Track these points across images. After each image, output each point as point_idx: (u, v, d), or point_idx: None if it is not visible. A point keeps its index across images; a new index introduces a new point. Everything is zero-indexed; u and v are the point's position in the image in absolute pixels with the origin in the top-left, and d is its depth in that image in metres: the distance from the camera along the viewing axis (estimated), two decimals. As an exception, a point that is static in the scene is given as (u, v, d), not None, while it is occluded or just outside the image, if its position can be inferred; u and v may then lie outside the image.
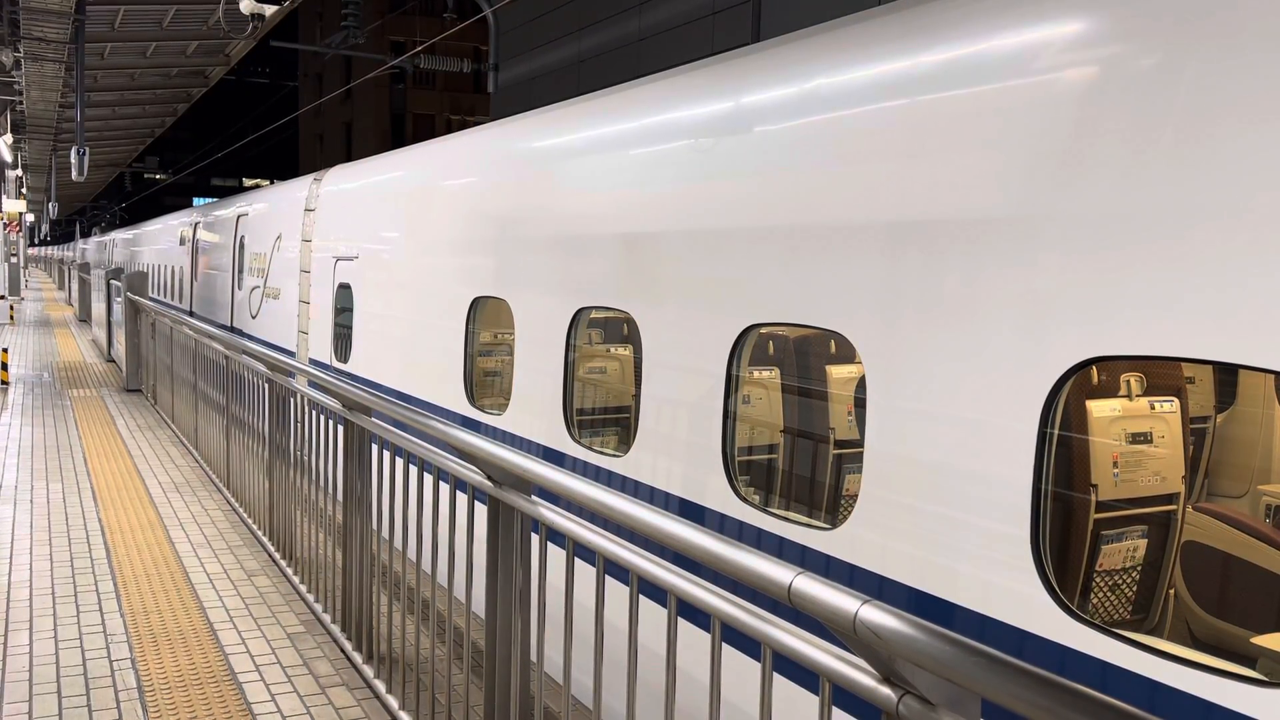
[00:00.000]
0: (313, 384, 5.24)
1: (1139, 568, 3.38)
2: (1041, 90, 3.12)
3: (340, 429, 4.72)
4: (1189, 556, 3.45)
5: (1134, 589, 3.38)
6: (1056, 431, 3.02)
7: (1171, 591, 3.44)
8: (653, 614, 2.96)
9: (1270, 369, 2.47)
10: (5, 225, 29.25)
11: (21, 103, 19.33)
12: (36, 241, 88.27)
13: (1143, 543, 3.39)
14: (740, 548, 2.04)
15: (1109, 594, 3.35)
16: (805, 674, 3.43)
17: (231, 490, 7.63)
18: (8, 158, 22.74)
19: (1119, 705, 1.32)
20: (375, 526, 4.45)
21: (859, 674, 1.79)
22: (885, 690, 1.73)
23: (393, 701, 4.09)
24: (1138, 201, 2.80)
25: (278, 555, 6.09)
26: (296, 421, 5.54)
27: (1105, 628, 2.82)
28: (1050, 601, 2.94)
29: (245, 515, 7.07)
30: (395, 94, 55.49)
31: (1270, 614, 3.16)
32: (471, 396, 6.83)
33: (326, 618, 5.04)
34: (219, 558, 6.29)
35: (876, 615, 1.66)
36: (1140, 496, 3.43)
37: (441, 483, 3.66)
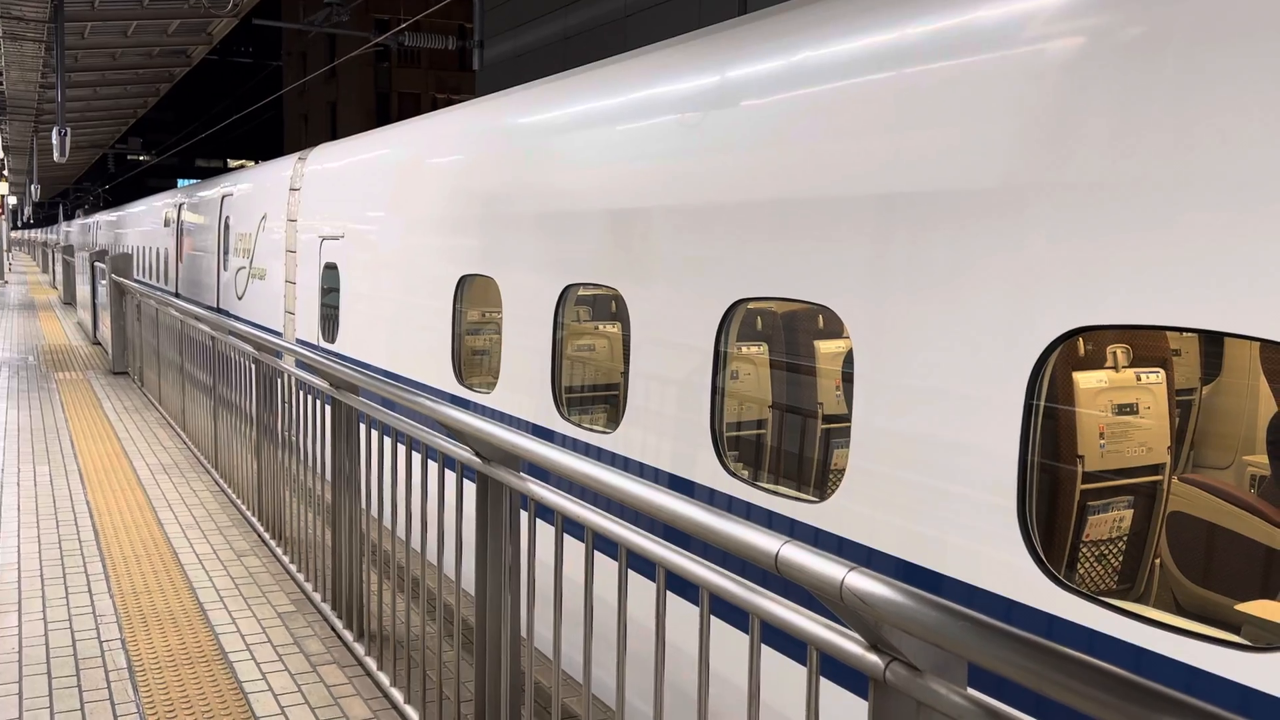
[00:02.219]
0: (300, 363, 5.22)
1: (1125, 538, 3.40)
2: (1028, 62, 3.11)
3: (328, 408, 4.71)
4: (1175, 527, 3.47)
5: (1120, 559, 3.41)
6: (1043, 403, 3.03)
7: (1157, 561, 3.47)
8: (642, 588, 2.97)
9: (1255, 336, 2.48)
10: (-13, 208, 29.00)
11: (1, 83, 19.12)
12: (19, 224, 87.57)
13: (1129, 513, 3.42)
14: (728, 518, 2.04)
15: (1095, 564, 3.38)
16: (795, 647, 3.45)
17: (220, 471, 7.62)
18: (-12, 139, 22.52)
19: (1105, 667, 1.32)
20: (364, 505, 4.44)
21: (846, 642, 1.79)
22: (872, 658, 1.74)
23: (384, 679, 4.10)
24: (1123, 171, 2.80)
25: (267, 535, 6.09)
26: (284, 402, 5.52)
27: (1092, 596, 2.84)
28: (1037, 571, 2.95)
29: (234, 496, 7.06)
30: (380, 73, 55.04)
31: (1255, 582, 3.19)
32: (460, 375, 6.82)
33: (317, 597, 5.05)
34: (208, 538, 6.28)
35: (863, 582, 1.66)
36: (1126, 467, 3.45)
37: (430, 460, 3.65)
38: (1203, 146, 2.62)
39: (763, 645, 2.06)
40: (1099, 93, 2.89)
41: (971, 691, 1.63)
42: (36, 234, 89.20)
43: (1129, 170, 2.78)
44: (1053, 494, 3.22)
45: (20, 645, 4.57)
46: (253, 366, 6.10)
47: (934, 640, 1.55)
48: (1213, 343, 4.06)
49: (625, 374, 4.95)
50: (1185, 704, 1.23)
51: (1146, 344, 3.58)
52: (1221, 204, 2.57)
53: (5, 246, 40.02)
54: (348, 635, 4.56)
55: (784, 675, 3.43)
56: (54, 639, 4.65)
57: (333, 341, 9.29)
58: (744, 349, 4.60)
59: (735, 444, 4.47)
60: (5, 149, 29.50)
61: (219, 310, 13.87)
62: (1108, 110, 2.86)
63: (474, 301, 6.91)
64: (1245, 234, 2.52)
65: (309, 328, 10.04)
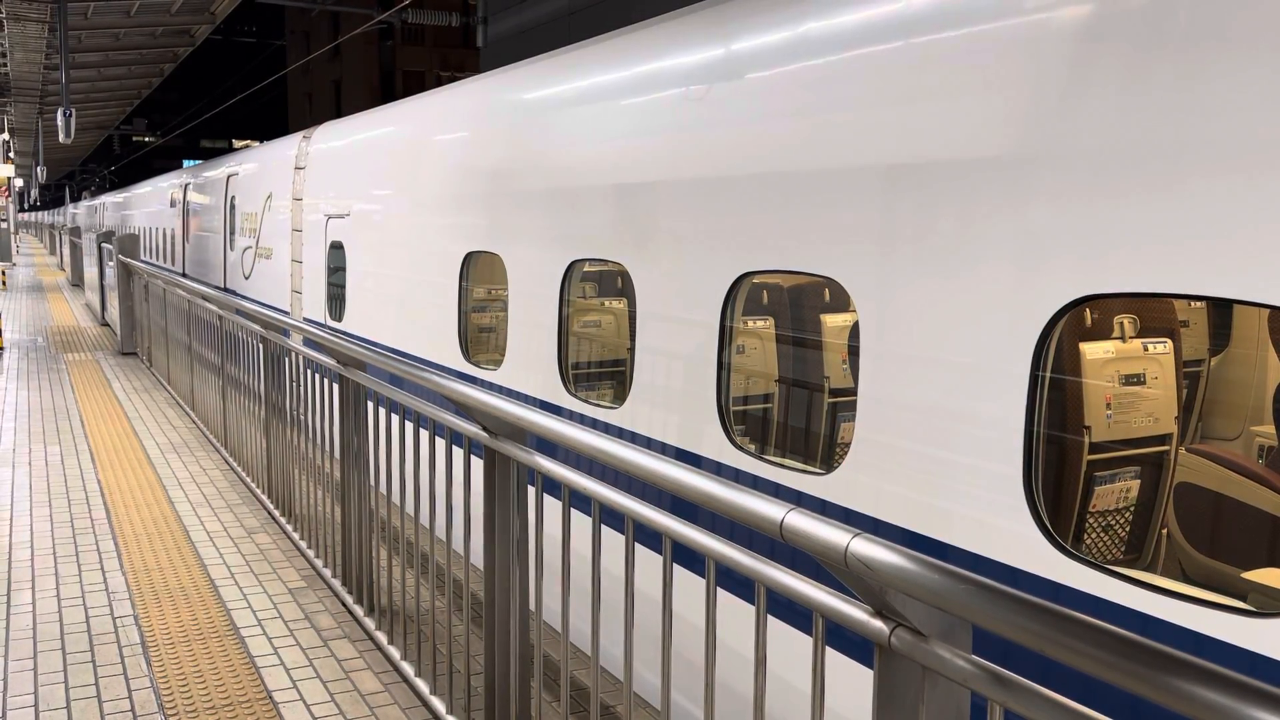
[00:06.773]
0: (307, 341, 5.24)
1: (1132, 508, 3.40)
2: (1034, 29, 3.08)
3: (336, 386, 4.72)
4: (1182, 497, 3.47)
5: (1127, 529, 3.41)
6: (1049, 374, 3.02)
7: (1164, 531, 3.47)
8: (650, 561, 2.99)
9: (1264, 303, 2.47)
10: (-6, 190, 29.00)
11: (5, 64, 19.08)
12: (26, 206, 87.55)
13: (1135, 483, 3.41)
14: (734, 487, 2.05)
15: (1102, 534, 3.38)
16: (801, 619, 3.46)
17: (229, 450, 7.65)
18: (-7, 121, 22.48)
19: (1108, 627, 1.33)
20: (373, 482, 4.46)
21: (851, 608, 1.80)
22: (877, 623, 1.75)
23: (394, 652, 4.13)
24: (1130, 138, 2.78)
25: (277, 513, 6.12)
26: (292, 380, 5.54)
27: (1099, 565, 2.85)
28: (1044, 541, 2.96)
29: (244, 474, 7.10)
30: (384, 50, 54.75)
31: (1261, 551, 3.19)
32: (466, 352, 6.83)
33: (327, 572, 5.08)
34: (218, 516, 6.32)
35: (867, 548, 1.67)
36: (1133, 438, 3.45)
37: (438, 436, 3.67)
38: (1211, 112, 2.60)
39: (769, 618, 2.07)
40: (1106, 59, 2.86)
41: (975, 657, 1.63)
42: (43, 216, 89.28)
43: (1136, 137, 2.76)
44: (1059, 464, 3.22)
45: (35, 622, 4.61)
46: (260, 345, 6.12)
47: (938, 604, 1.55)
48: (1221, 313, 4.04)
49: (631, 349, 4.95)
50: (1188, 663, 1.24)
51: (1154, 313, 3.57)
52: (1230, 170, 2.55)
53: (12, 229, 40.05)
54: (358, 610, 4.59)
55: (791, 648, 3.45)
56: (68, 615, 4.69)
57: (340, 320, 9.31)
58: (750, 323, 4.59)
59: (742, 418, 4.48)
60: (11, 131, 29.46)
61: (226, 290, 13.89)
62: (1114, 76, 2.83)
63: (480, 278, 6.91)
64: (1253, 199, 2.50)
65: (316, 306, 10.05)
